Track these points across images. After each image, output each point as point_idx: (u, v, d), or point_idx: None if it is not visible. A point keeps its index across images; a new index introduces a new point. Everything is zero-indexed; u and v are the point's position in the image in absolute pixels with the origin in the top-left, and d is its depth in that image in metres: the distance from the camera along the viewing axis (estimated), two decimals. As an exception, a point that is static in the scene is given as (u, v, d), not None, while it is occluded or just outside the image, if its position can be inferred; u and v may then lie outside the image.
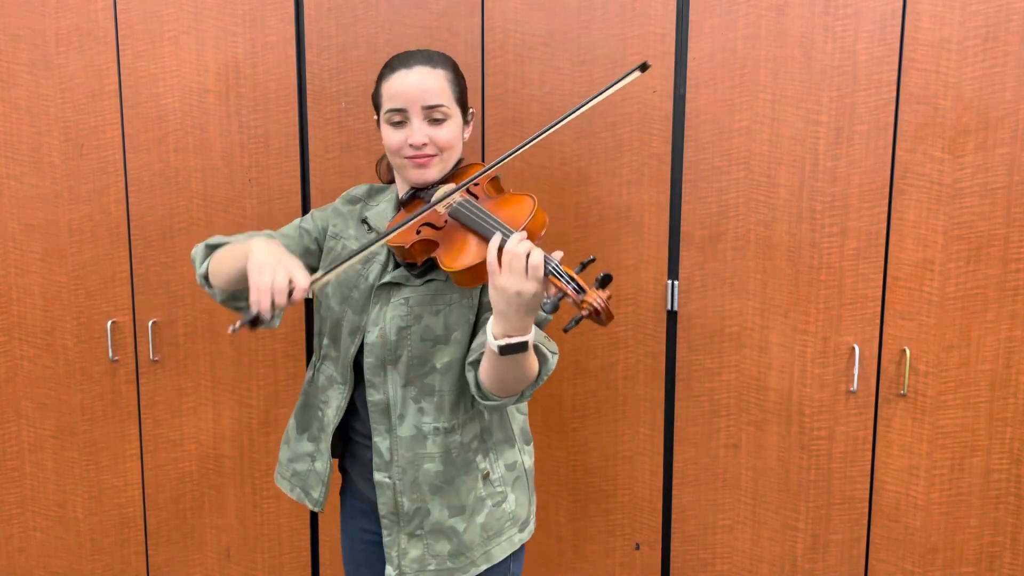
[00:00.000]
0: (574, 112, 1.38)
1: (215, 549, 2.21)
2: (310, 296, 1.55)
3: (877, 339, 1.97)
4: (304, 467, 1.58)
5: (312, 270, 1.54)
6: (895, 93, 1.89)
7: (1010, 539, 2.03)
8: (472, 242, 1.32)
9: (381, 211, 1.52)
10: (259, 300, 1.22)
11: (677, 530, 2.11)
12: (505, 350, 1.22)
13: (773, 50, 1.91)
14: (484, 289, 1.42)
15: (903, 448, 2.01)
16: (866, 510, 2.05)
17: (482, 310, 1.43)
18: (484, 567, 1.47)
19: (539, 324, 1.41)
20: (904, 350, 1.97)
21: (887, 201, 1.93)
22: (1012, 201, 1.90)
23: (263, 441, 2.15)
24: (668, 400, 2.06)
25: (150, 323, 2.11)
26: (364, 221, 1.52)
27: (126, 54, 2.03)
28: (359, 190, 1.59)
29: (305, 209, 2.06)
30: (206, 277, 1.48)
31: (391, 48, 1.98)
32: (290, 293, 1.23)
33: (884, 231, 1.94)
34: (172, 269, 2.09)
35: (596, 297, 1.13)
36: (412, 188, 1.46)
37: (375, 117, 1.49)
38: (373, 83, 1.99)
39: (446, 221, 1.37)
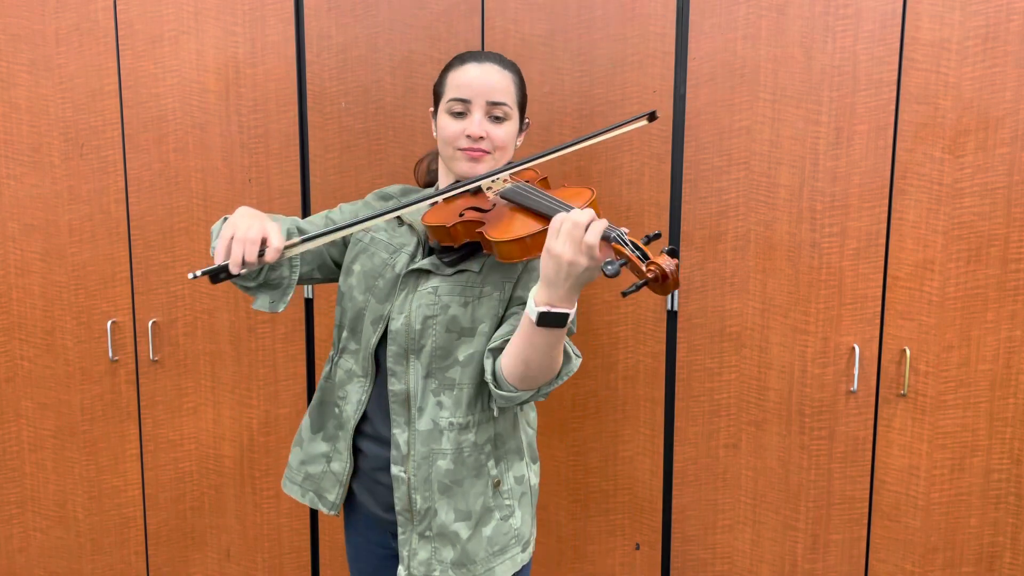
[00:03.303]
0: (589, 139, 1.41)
1: (215, 549, 2.21)
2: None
3: (877, 339, 1.97)
4: (318, 469, 1.53)
5: (334, 262, 1.53)
6: (895, 93, 1.89)
7: (1010, 539, 2.03)
8: (524, 217, 1.30)
9: (415, 208, 1.49)
10: (226, 248, 1.20)
11: (677, 530, 2.11)
12: (544, 319, 1.18)
13: (773, 50, 1.91)
14: (517, 283, 1.41)
15: (903, 448, 2.01)
16: (866, 510, 2.05)
17: (512, 304, 1.41)
18: None
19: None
20: (904, 350, 1.97)
21: (887, 201, 1.93)
22: (1012, 201, 1.90)
23: (263, 441, 2.15)
24: (668, 400, 2.06)
25: (150, 323, 2.11)
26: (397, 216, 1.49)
27: (126, 54, 2.03)
28: (393, 188, 1.58)
29: (305, 209, 2.06)
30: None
31: (391, 48, 1.98)
32: (261, 254, 1.21)
33: (884, 231, 1.94)
34: (172, 269, 2.09)
35: (665, 260, 1.10)
36: (456, 182, 1.44)
37: (431, 109, 1.49)
38: (373, 83, 2.01)
39: (493, 205, 1.36)
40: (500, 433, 1.46)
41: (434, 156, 1.62)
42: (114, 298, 2.11)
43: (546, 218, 1.26)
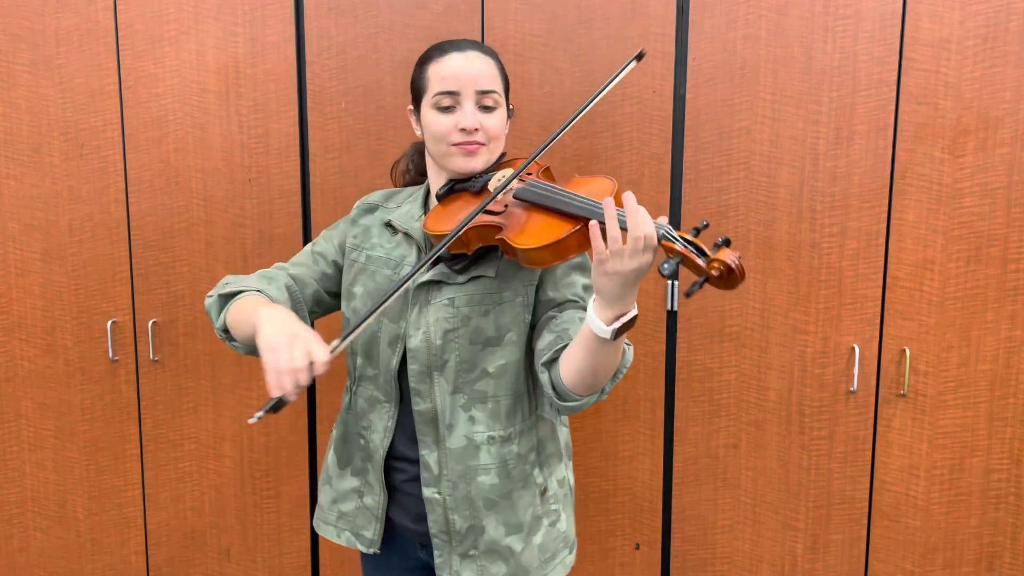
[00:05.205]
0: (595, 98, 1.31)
1: (215, 549, 2.21)
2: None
3: (877, 339, 1.97)
4: (351, 506, 1.45)
5: (331, 295, 1.46)
6: (895, 93, 1.89)
7: (1010, 539, 2.03)
8: (548, 218, 1.21)
9: (406, 212, 1.42)
10: (279, 384, 1.11)
11: (677, 530, 2.11)
12: (619, 332, 1.10)
13: (773, 50, 1.91)
14: (541, 286, 1.34)
15: (903, 448, 2.01)
16: (866, 510, 2.05)
17: (540, 308, 1.33)
18: None
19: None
20: (904, 350, 1.97)
21: (887, 201, 1.93)
22: (1012, 201, 1.90)
23: (263, 441, 2.15)
24: (668, 400, 2.06)
25: (150, 323, 2.11)
26: (388, 224, 1.42)
27: (126, 54, 2.03)
28: (373, 197, 1.49)
29: (305, 209, 2.06)
30: (225, 331, 1.37)
31: (391, 48, 1.98)
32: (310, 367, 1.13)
33: (884, 231, 1.94)
34: (172, 269, 2.09)
35: (726, 254, 1.02)
36: (450, 181, 1.37)
37: (409, 107, 1.41)
38: (373, 83, 2.01)
39: (506, 206, 1.27)
40: (542, 440, 1.41)
41: (411, 155, 1.54)
42: (114, 298, 2.11)
43: (575, 218, 1.18)
